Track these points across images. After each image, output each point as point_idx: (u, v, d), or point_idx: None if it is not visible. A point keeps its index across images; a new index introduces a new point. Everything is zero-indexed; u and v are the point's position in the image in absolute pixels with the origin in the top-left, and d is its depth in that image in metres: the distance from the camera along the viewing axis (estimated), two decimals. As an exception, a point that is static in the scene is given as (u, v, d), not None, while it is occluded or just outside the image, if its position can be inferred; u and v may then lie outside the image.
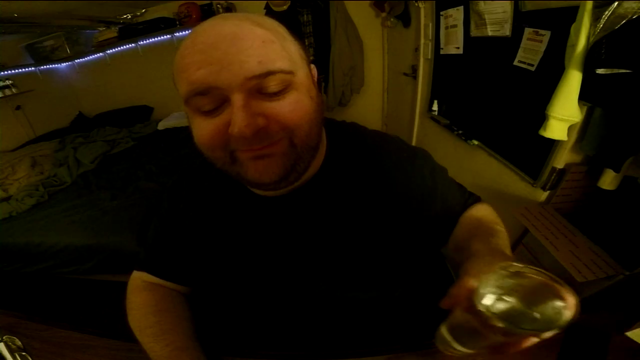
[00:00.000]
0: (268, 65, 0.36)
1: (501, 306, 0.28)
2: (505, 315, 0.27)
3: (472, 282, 0.31)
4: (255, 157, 0.39)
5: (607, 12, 0.72)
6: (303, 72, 0.41)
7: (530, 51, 1.12)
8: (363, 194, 0.50)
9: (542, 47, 1.06)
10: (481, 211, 0.57)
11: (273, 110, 0.38)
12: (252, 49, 0.36)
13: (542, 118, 0.94)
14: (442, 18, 1.68)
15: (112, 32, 2.69)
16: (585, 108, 0.90)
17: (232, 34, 0.36)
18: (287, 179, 0.42)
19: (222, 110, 0.38)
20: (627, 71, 0.73)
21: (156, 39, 2.74)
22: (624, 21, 0.70)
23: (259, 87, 0.37)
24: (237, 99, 0.36)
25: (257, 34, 0.37)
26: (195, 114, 0.40)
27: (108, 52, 2.88)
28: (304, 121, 0.40)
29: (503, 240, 0.47)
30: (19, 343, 0.61)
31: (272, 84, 0.37)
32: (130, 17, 2.71)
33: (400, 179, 0.51)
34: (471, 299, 0.29)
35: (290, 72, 0.38)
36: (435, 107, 1.88)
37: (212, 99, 0.37)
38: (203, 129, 0.39)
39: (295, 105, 0.39)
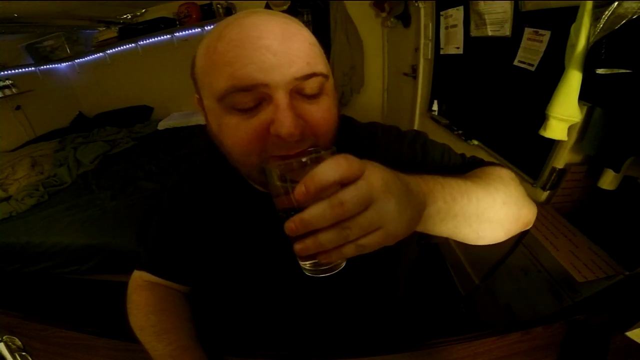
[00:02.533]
0: (313, 67, 0.37)
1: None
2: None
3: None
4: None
5: (607, 12, 0.72)
6: (331, 78, 0.42)
7: (530, 51, 1.12)
8: None
9: (542, 47, 1.06)
10: (492, 170, 0.47)
11: (310, 114, 0.38)
12: (301, 50, 0.36)
13: (542, 118, 0.94)
14: (442, 18, 1.68)
15: (112, 32, 2.69)
16: (585, 108, 0.90)
17: (283, 32, 0.36)
18: None
19: (260, 110, 0.37)
20: (627, 71, 0.73)
21: (156, 39, 2.74)
22: (624, 21, 0.70)
23: (299, 88, 0.37)
24: (282, 98, 0.35)
25: (305, 35, 0.38)
26: (228, 113, 0.37)
27: (108, 52, 2.88)
28: (331, 128, 0.41)
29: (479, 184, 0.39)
30: (19, 343, 0.61)
31: (312, 86, 0.37)
32: (130, 17, 2.71)
33: (391, 162, 0.50)
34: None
35: (327, 76, 0.39)
36: (435, 107, 1.88)
37: (253, 96, 0.36)
38: (240, 131, 0.37)
39: (327, 112, 0.40)
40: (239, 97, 0.36)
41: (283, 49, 0.35)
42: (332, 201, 0.25)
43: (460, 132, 1.66)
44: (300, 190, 0.25)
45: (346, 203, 0.25)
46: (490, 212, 0.39)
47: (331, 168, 0.25)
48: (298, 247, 0.27)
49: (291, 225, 0.26)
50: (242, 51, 0.35)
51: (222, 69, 0.36)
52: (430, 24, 1.82)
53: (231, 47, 0.36)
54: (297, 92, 0.37)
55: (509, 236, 0.44)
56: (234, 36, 0.36)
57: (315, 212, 0.25)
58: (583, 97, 0.85)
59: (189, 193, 0.56)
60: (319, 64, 0.38)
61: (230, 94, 0.36)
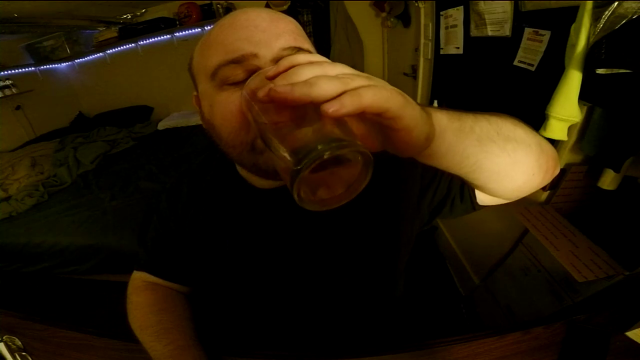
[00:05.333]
0: (300, 43, 0.39)
1: None
2: None
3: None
4: None
5: (607, 12, 0.72)
6: None
7: (530, 51, 1.12)
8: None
9: (542, 47, 1.06)
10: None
11: None
12: (288, 28, 0.39)
13: (542, 118, 0.94)
14: (442, 18, 1.68)
15: (112, 32, 2.70)
16: (585, 108, 0.90)
17: (270, 16, 0.39)
18: None
19: None
20: (627, 71, 0.73)
21: (156, 39, 2.74)
22: (624, 21, 0.70)
23: None
24: (268, 66, 0.36)
25: (291, 20, 0.41)
26: (220, 90, 0.38)
27: (108, 52, 2.88)
28: None
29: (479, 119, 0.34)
30: (19, 343, 0.61)
31: None
32: (130, 17, 2.71)
33: (390, 163, 0.49)
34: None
35: None
36: (435, 106, 1.88)
37: (243, 68, 0.37)
38: (230, 103, 0.37)
39: None
40: (230, 70, 0.37)
41: (271, 27, 0.38)
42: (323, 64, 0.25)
43: (460, 132, 1.66)
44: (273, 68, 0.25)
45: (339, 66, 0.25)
46: (510, 132, 0.35)
47: (311, 55, 0.25)
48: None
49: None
50: (233, 30, 0.38)
51: (214, 47, 0.39)
52: (430, 24, 1.82)
53: (223, 30, 0.39)
54: None
55: (542, 174, 0.39)
56: (226, 22, 0.39)
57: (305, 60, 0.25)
58: (583, 97, 0.85)
59: (187, 193, 0.56)
60: (306, 44, 0.40)
61: (221, 67, 0.37)
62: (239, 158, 0.41)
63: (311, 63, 0.25)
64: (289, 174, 0.23)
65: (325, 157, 0.21)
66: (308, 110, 0.24)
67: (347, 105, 0.21)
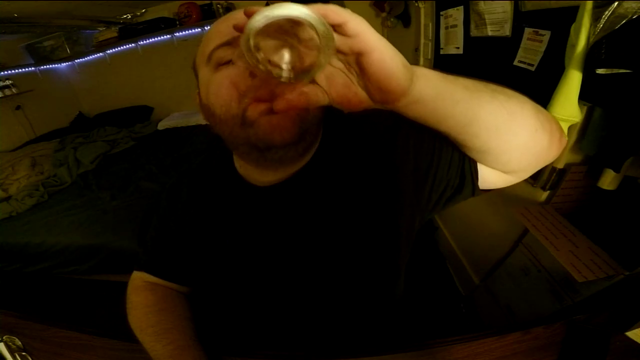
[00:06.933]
0: None
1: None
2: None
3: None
4: (270, 111, 0.37)
5: (607, 12, 0.72)
6: None
7: (530, 51, 1.12)
8: (355, 181, 0.49)
9: (542, 47, 1.06)
10: None
11: None
12: None
13: (542, 118, 0.94)
14: (442, 18, 1.68)
15: (112, 32, 2.70)
16: (585, 108, 0.90)
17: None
18: (297, 146, 0.41)
19: None
20: (627, 71, 0.73)
21: (156, 39, 2.74)
22: (624, 21, 0.70)
23: None
24: None
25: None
26: (215, 71, 0.40)
27: (108, 52, 2.89)
28: None
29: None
30: (19, 343, 0.61)
31: None
32: (130, 17, 2.71)
33: (384, 155, 0.48)
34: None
35: None
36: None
37: (235, 47, 0.38)
38: (223, 78, 0.39)
39: None
40: (223, 51, 0.39)
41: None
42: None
43: (460, 132, 1.66)
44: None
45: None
46: (498, 87, 0.36)
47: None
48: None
49: None
50: (227, 21, 0.39)
51: (211, 35, 0.41)
52: (430, 24, 1.82)
53: (219, 23, 0.41)
54: None
55: (547, 133, 0.37)
56: (222, 17, 0.42)
57: None
58: (583, 97, 0.85)
59: (187, 193, 0.56)
60: None
61: (215, 50, 0.39)
62: (231, 136, 0.42)
63: None
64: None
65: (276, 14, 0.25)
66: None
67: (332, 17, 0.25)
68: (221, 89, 0.39)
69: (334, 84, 0.31)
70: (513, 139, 0.37)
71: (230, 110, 0.39)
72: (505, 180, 0.44)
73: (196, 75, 0.45)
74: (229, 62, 0.39)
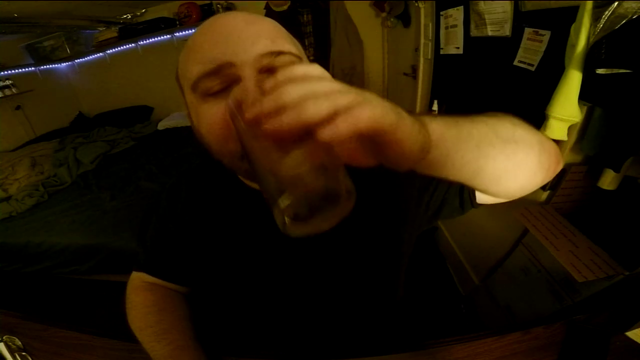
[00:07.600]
0: (280, 46, 0.37)
1: None
2: None
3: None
4: None
5: (607, 12, 0.72)
6: (306, 61, 0.42)
7: (530, 51, 1.12)
8: (358, 184, 0.49)
9: (542, 47, 1.06)
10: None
11: None
12: (265, 31, 0.38)
13: (542, 118, 0.94)
14: (442, 18, 1.68)
15: (112, 32, 2.70)
16: (585, 108, 0.90)
17: (246, 18, 0.38)
18: None
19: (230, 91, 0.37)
20: (627, 71, 0.73)
21: (156, 39, 2.74)
22: (624, 21, 0.70)
23: (270, 67, 0.36)
24: (249, 74, 0.35)
25: (269, 21, 0.40)
26: (203, 101, 0.38)
27: (108, 52, 2.89)
28: None
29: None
30: (19, 343, 0.61)
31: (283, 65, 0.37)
32: (130, 17, 2.71)
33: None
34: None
35: (299, 57, 0.39)
36: (435, 107, 1.88)
37: (222, 79, 0.36)
38: (213, 115, 0.37)
39: None
40: (209, 81, 0.37)
41: (247, 30, 0.37)
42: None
43: (460, 132, 1.66)
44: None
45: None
46: (509, 133, 0.34)
47: (292, 69, 0.23)
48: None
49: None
50: (209, 37, 0.37)
51: (193, 56, 0.38)
52: (430, 24, 1.82)
53: (200, 36, 0.38)
54: (268, 72, 0.37)
55: (544, 172, 0.38)
56: (203, 28, 0.39)
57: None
58: (583, 97, 0.85)
59: (186, 194, 0.56)
60: (287, 44, 0.38)
61: (200, 79, 0.37)
62: (230, 165, 0.42)
63: (294, 80, 0.22)
64: (272, 201, 0.23)
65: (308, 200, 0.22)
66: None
67: (342, 129, 0.20)
68: (214, 127, 0.37)
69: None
70: (512, 184, 0.38)
71: (227, 147, 0.38)
72: (495, 200, 0.46)
73: (181, 89, 0.44)
74: (218, 93, 0.37)
